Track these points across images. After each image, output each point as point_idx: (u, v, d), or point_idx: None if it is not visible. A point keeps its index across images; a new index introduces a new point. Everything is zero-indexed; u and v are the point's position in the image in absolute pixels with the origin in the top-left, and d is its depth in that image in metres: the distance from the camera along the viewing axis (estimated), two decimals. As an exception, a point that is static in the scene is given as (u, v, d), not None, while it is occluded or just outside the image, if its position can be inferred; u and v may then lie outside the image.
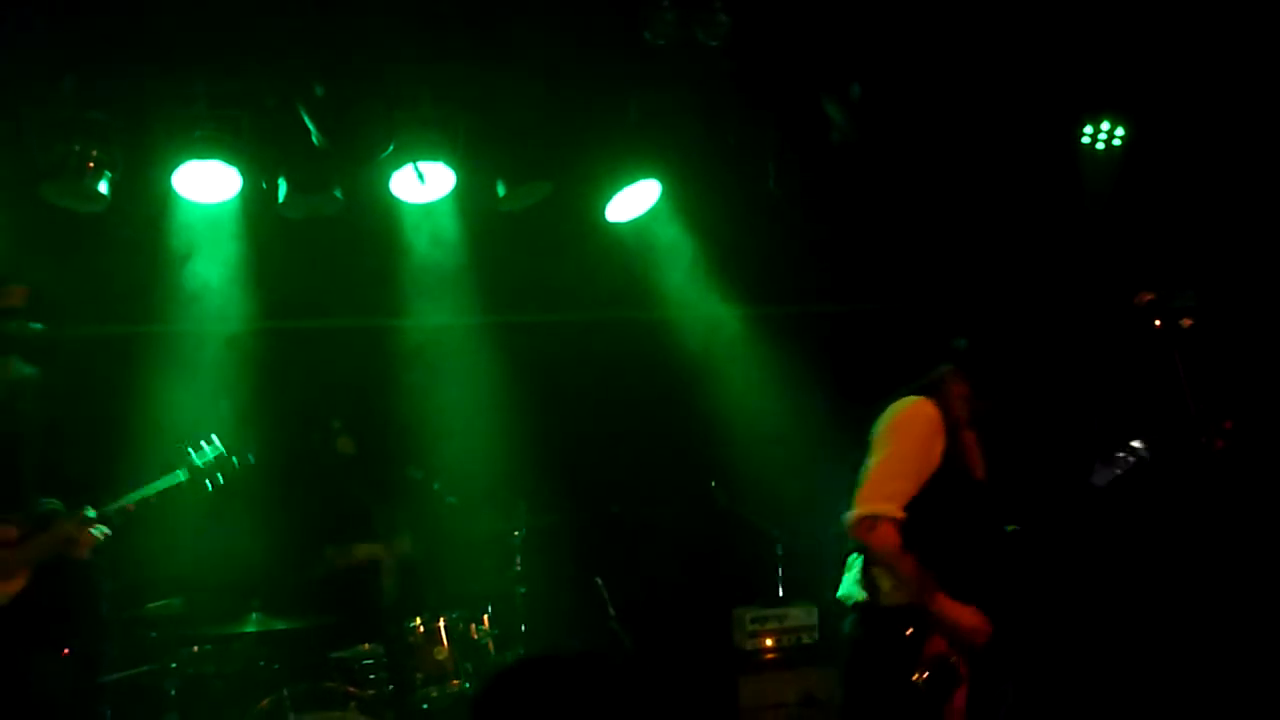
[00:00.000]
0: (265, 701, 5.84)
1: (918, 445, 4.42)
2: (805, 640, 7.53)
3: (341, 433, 6.77)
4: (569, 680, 2.29)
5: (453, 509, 6.82)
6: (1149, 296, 4.69)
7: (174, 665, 5.94)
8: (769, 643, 7.45)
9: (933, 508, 4.39)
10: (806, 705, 7.31)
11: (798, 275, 7.68)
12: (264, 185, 6.23)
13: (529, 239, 7.00)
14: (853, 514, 4.34)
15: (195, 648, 6.05)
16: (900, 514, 4.32)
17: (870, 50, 6.28)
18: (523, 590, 6.63)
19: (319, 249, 6.76)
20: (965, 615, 4.33)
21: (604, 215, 6.90)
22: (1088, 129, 6.94)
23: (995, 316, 4.69)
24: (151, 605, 6.16)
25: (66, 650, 5.93)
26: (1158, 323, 4.63)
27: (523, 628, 6.58)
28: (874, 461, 4.40)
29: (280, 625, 5.95)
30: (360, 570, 6.65)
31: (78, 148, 5.79)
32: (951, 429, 4.44)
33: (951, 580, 4.36)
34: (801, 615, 7.57)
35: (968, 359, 4.59)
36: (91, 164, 5.83)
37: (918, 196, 7.10)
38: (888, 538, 4.30)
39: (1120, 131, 6.92)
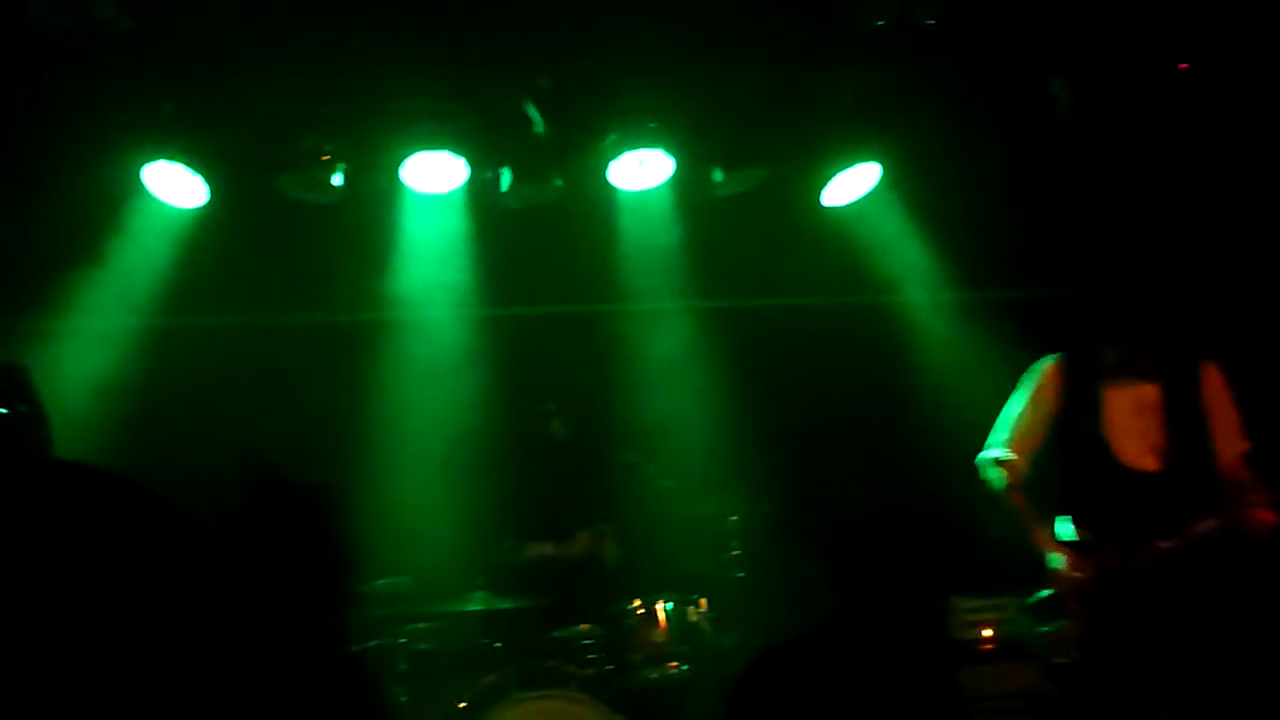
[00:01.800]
0: (491, 678, 5.98)
1: (1026, 395, 4.96)
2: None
3: (556, 415, 6.86)
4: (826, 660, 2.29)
5: (668, 493, 6.85)
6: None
7: (402, 640, 6.13)
8: (986, 633, 7.30)
9: (1062, 453, 4.88)
10: (1026, 698, 7.14)
11: (1019, 258, 7.48)
12: (488, 175, 6.39)
13: (745, 225, 7.00)
14: None
15: (421, 624, 6.24)
16: (1011, 455, 4.93)
17: (1095, 25, 6.07)
18: (740, 574, 6.63)
19: (540, 237, 6.89)
20: (1059, 558, 4.66)
21: (821, 200, 6.85)
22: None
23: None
24: (381, 582, 6.37)
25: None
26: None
27: (740, 612, 6.58)
28: None
29: (504, 605, 6.09)
30: (562, 565, 6.71)
31: (311, 142, 6.05)
32: (1076, 380, 4.84)
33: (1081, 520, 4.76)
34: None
35: (1101, 312, 4.85)
36: (325, 157, 6.08)
37: (1142, 178, 6.84)
38: (995, 476, 4.94)
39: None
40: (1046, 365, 4.98)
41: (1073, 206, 7.03)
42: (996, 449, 5.00)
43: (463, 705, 5.96)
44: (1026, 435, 4.95)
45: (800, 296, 7.64)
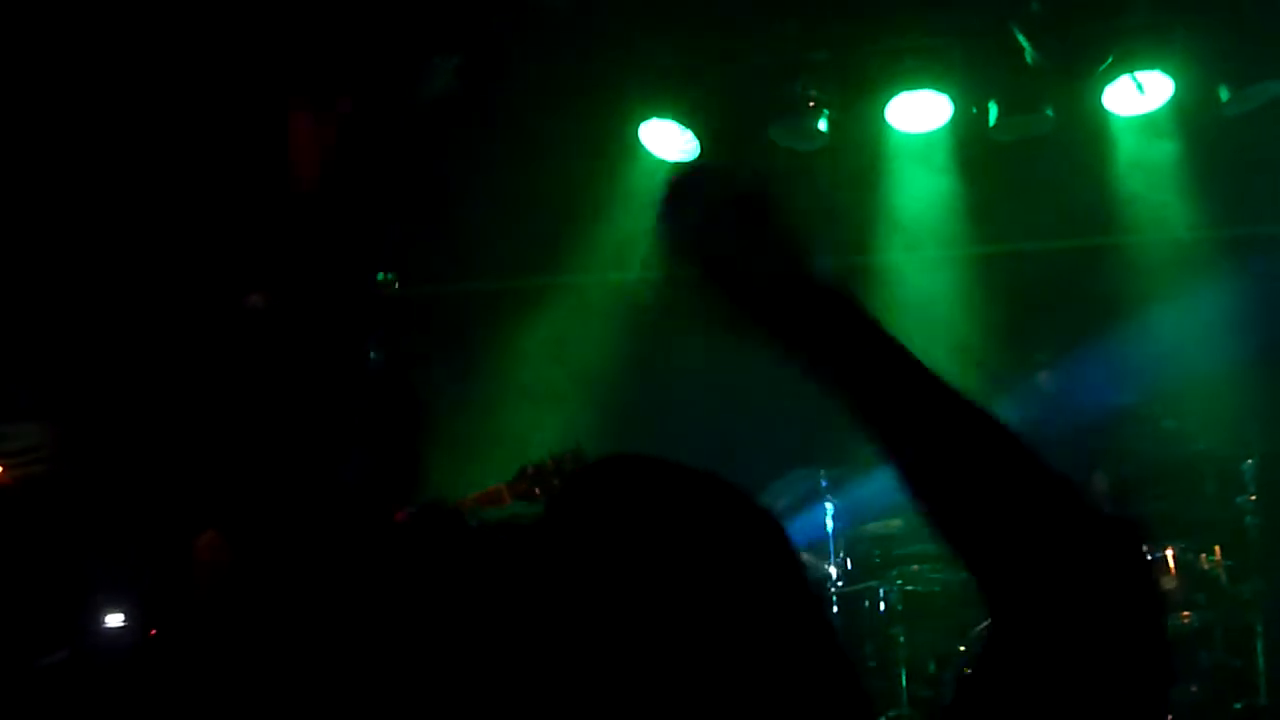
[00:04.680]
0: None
1: None
2: None
3: (1044, 367, 6.64)
4: None
5: (1172, 434, 6.49)
6: None
7: (899, 581, 6.18)
8: None
9: None
10: None
11: None
12: (974, 110, 6.27)
13: (1253, 145, 6.48)
14: None
15: (915, 566, 6.25)
16: None
17: None
18: (1255, 520, 6.19)
19: (1028, 170, 6.68)
20: None
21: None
22: None
23: None
24: (871, 525, 6.44)
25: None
26: None
27: (1259, 561, 6.15)
28: None
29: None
30: None
31: (800, 89, 6.13)
32: None
33: None
34: None
35: None
36: (812, 103, 6.15)
37: None
38: None
39: None
40: None
41: None
42: None
43: (961, 649, 5.94)
44: None
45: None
